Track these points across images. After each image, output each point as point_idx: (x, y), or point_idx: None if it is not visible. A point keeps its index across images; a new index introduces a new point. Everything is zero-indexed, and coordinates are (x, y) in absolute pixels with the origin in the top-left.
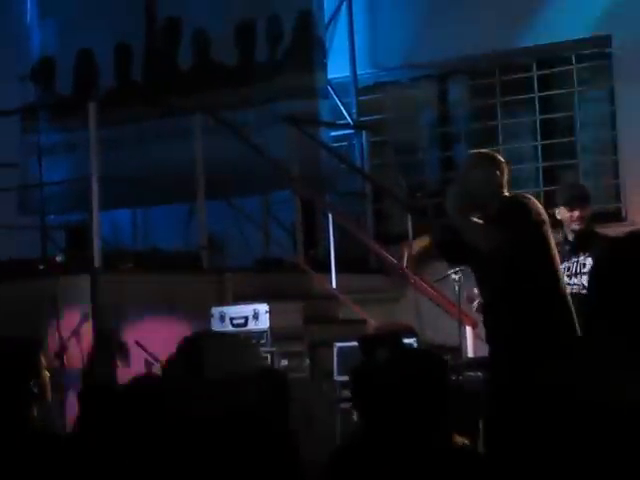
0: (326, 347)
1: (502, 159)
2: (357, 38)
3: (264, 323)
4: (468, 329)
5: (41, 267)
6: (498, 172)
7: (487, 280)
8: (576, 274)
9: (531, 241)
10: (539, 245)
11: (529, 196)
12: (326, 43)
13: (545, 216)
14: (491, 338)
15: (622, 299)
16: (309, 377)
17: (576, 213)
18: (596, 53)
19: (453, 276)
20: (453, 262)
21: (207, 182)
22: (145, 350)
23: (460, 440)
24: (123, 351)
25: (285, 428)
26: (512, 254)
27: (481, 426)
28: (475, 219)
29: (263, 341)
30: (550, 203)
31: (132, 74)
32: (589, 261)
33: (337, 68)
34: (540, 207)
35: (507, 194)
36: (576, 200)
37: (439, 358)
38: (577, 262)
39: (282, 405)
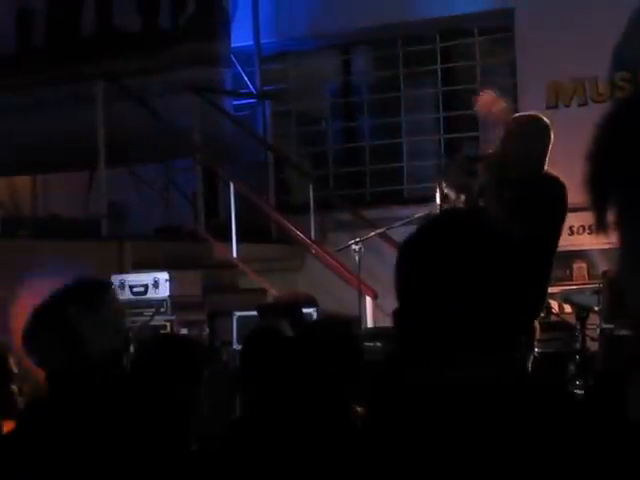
0: (226, 316)
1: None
2: (261, 7)
3: (164, 291)
4: (368, 299)
5: None
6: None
7: None
8: None
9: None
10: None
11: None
12: (230, 11)
13: None
14: None
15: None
16: (208, 346)
17: (463, 197)
18: (498, 26)
19: (354, 246)
20: None
21: (108, 149)
22: None
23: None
24: None
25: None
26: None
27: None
28: None
29: (163, 309)
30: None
31: (34, 40)
32: None
33: (241, 37)
34: None
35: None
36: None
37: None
38: None
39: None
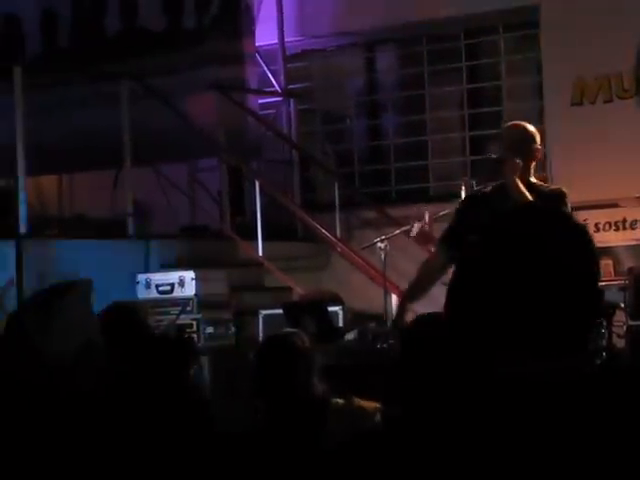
0: (252, 315)
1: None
2: (285, 5)
3: (190, 290)
4: (394, 297)
5: None
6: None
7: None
8: None
9: None
10: None
11: None
12: (254, 10)
13: None
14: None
15: None
16: (235, 345)
17: None
18: (523, 23)
19: (379, 244)
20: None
21: (133, 149)
22: None
23: (373, 405)
24: None
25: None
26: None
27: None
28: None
29: (189, 308)
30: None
31: (59, 40)
32: None
33: (265, 35)
34: None
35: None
36: None
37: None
38: None
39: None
